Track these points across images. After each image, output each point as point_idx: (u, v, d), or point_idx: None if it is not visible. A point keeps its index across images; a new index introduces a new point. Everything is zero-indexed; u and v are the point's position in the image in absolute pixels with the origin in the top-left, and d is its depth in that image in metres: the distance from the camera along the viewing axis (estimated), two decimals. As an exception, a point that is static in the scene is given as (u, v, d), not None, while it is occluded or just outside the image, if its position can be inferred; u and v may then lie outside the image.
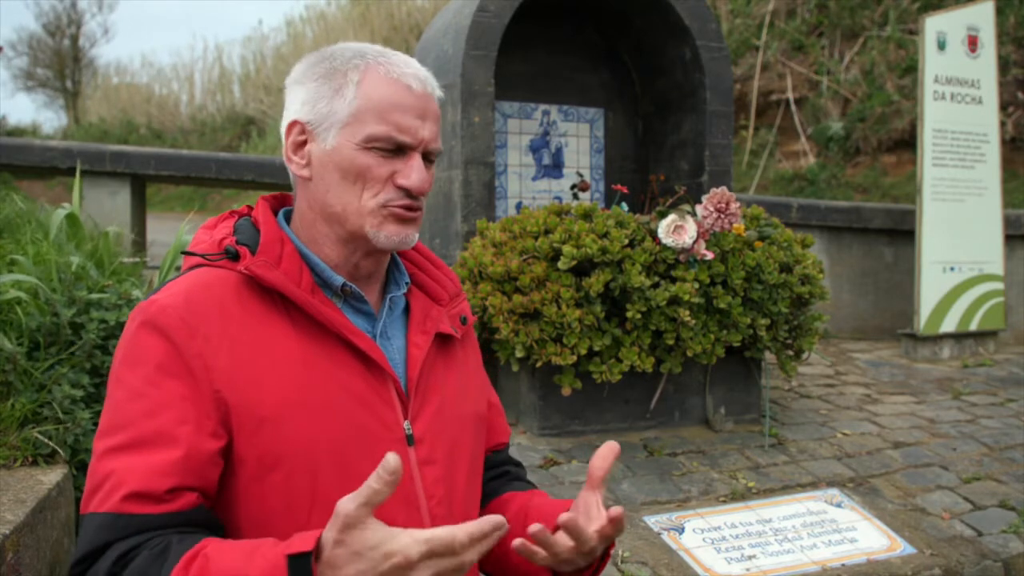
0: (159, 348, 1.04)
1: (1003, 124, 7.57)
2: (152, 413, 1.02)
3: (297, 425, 1.06)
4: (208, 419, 1.03)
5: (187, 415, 1.02)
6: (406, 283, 1.25)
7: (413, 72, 1.15)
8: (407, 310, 1.25)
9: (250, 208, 1.25)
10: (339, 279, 1.16)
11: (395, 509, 1.11)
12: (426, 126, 1.15)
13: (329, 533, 0.88)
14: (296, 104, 1.16)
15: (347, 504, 0.86)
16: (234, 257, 1.11)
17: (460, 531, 0.86)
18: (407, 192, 1.14)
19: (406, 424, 1.15)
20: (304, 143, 1.15)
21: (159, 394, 1.02)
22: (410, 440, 1.15)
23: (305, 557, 0.87)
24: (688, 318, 3.54)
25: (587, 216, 3.68)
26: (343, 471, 1.08)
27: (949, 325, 5.77)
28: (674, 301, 3.56)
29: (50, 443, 2.54)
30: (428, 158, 1.18)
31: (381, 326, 1.20)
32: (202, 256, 1.13)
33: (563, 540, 1.06)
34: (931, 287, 5.70)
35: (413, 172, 1.14)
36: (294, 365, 1.08)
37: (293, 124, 1.15)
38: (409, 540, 0.86)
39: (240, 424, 1.04)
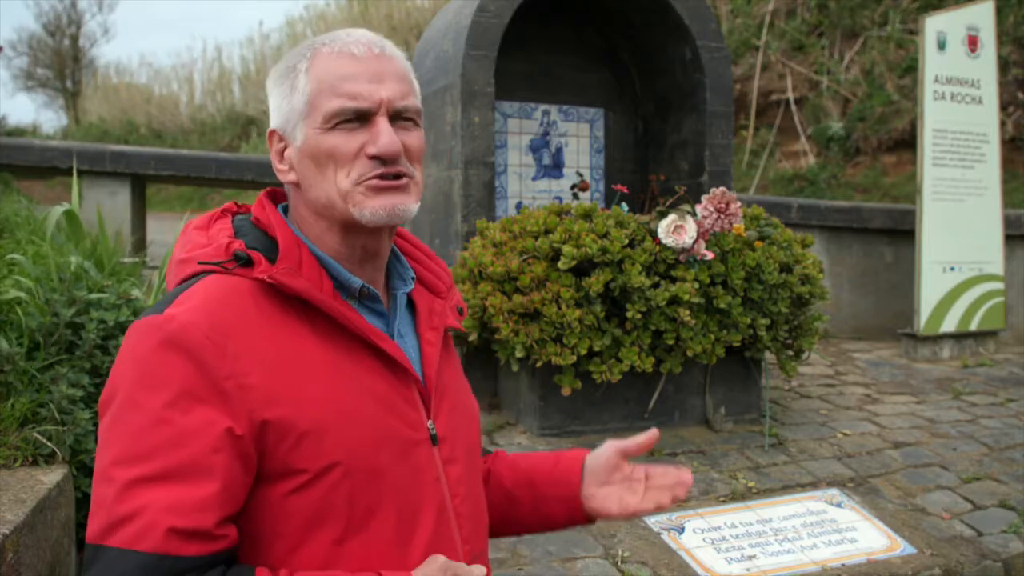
0: (184, 371, 0.97)
1: (1003, 124, 7.57)
2: (181, 441, 0.96)
3: (336, 437, 1.03)
4: (241, 442, 0.98)
5: (221, 442, 0.97)
6: (412, 278, 1.23)
7: (355, 39, 1.11)
8: (410, 305, 1.23)
9: (238, 205, 1.21)
10: (358, 282, 1.13)
11: (425, 513, 1.10)
12: (384, 86, 1.09)
13: None
14: (272, 114, 1.15)
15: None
16: (246, 263, 1.07)
17: None
18: (380, 161, 1.09)
19: (429, 424, 1.14)
20: (284, 149, 1.14)
21: (187, 421, 0.96)
22: (434, 440, 1.14)
23: None
24: (688, 318, 3.54)
25: (587, 216, 3.68)
26: (377, 479, 1.06)
27: (949, 325, 5.77)
28: (674, 301, 3.56)
29: (49, 443, 2.54)
30: (408, 118, 1.12)
31: (395, 325, 1.19)
32: (218, 264, 1.06)
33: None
34: (931, 287, 5.70)
35: (379, 136, 1.08)
36: (324, 374, 1.05)
37: (271, 135, 1.15)
38: None
39: (277, 441, 1.00)
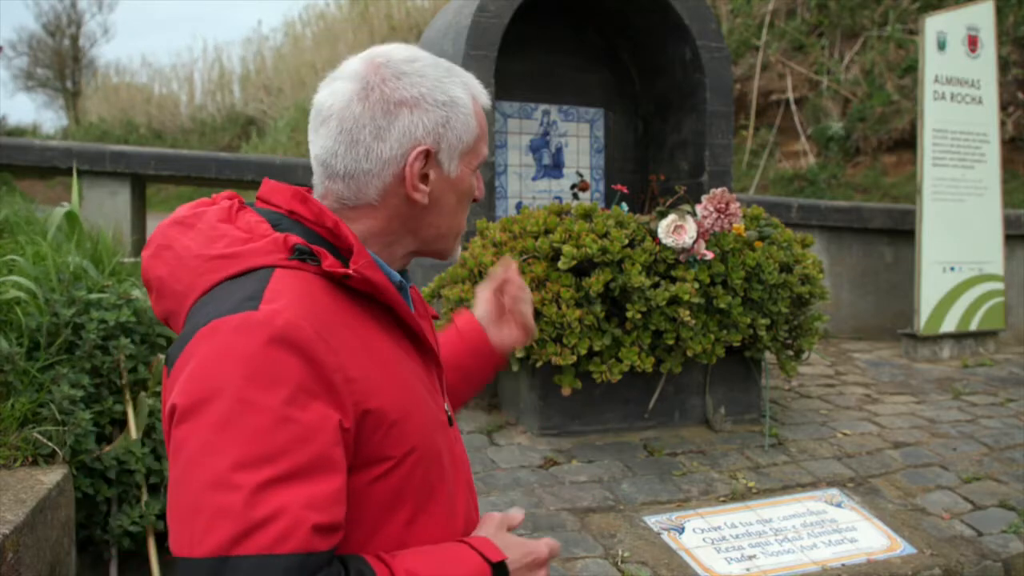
0: (298, 367, 0.97)
1: (1003, 124, 7.57)
2: (306, 438, 0.95)
3: (413, 423, 1.08)
4: (348, 434, 1.00)
5: (336, 436, 0.98)
6: (407, 272, 1.29)
7: (485, 91, 1.22)
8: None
9: (232, 198, 1.19)
10: (397, 276, 1.18)
11: (460, 487, 1.19)
12: None
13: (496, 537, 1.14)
14: (417, 130, 1.11)
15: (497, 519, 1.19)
16: (311, 258, 1.07)
17: (553, 546, 1.19)
18: (472, 202, 1.24)
19: (446, 406, 1.23)
20: (425, 168, 1.14)
21: (308, 417, 0.96)
22: (450, 421, 1.23)
23: (502, 564, 1.10)
24: (688, 318, 3.54)
25: (587, 216, 3.68)
26: (437, 460, 1.12)
27: (949, 325, 5.77)
28: (674, 301, 3.56)
29: (49, 443, 2.54)
30: None
31: None
32: (302, 259, 1.06)
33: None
34: (931, 287, 5.70)
35: (482, 184, 1.24)
36: (394, 363, 1.10)
37: (422, 152, 1.12)
38: (539, 543, 1.18)
39: (373, 430, 1.03)
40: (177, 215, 1.17)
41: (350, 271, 1.05)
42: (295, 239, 1.07)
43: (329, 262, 1.06)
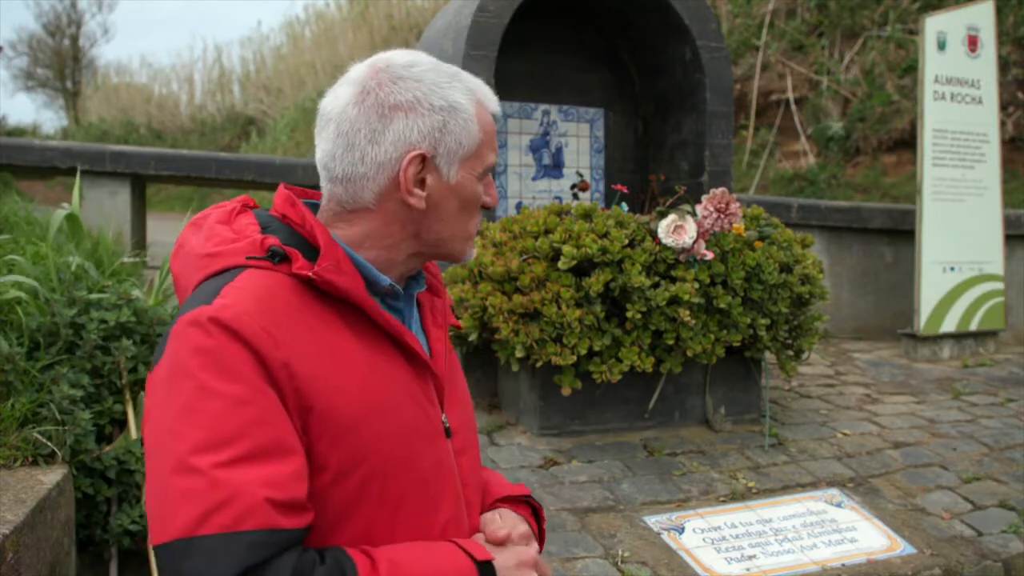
0: (247, 356, 0.99)
1: (1003, 124, 7.57)
2: (264, 421, 0.97)
3: (373, 429, 1.07)
4: (296, 428, 1.01)
5: (291, 422, 1.00)
6: (423, 279, 1.27)
7: (493, 95, 1.20)
8: (415, 302, 1.28)
9: (244, 202, 1.22)
10: (386, 280, 1.16)
11: (445, 503, 1.15)
12: None
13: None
14: (412, 135, 1.11)
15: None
16: (283, 259, 1.09)
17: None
18: (484, 211, 1.22)
19: (443, 417, 1.20)
20: (422, 173, 1.14)
21: (264, 401, 0.99)
22: (448, 433, 1.20)
23: (488, 564, 1.10)
24: (688, 318, 3.54)
25: (587, 216, 3.68)
26: (408, 469, 1.10)
27: (949, 325, 5.77)
28: (674, 301, 3.56)
29: (49, 443, 2.54)
30: None
31: (409, 322, 1.23)
32: (265, 260, 1.08)
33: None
34: (931, 287, 5.70)
35: (495, 191, 1.22)
36: (361, 369, 1.09)
37: (416, 157, 1.12)
38: (528, 548, 1.19)
39: (321, 431, 1.03)
40: (194, 217, 1.22)
41: (309, 273, 1.06)
42: (271, 240, 1.10)
43: (299, 264, 1.07)
